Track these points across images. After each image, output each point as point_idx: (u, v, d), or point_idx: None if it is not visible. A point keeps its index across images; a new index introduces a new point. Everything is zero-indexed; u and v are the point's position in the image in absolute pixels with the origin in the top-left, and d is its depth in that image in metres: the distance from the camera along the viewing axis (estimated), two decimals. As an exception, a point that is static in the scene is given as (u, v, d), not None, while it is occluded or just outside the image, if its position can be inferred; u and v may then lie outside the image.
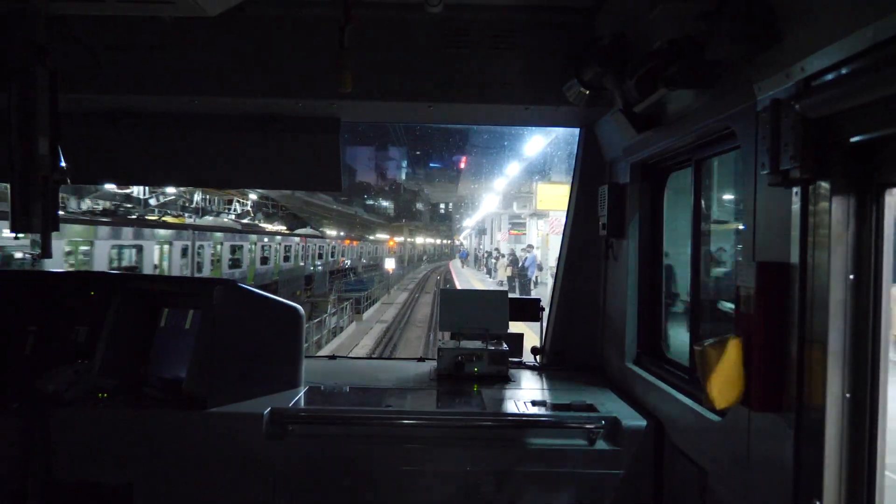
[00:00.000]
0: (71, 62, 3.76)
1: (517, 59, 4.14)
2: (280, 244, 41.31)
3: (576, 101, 3.89)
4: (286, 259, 42.14)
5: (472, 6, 4.02)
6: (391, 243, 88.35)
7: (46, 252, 3.47)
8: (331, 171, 4.61)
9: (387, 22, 4.06)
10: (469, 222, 76.79)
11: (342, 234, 73.05)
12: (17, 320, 4.09)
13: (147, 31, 4.01)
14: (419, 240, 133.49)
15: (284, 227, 55.21)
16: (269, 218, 55.73)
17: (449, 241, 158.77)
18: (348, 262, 71.10)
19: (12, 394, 3.61)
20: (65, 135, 3.33)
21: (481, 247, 68.28)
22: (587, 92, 3.75)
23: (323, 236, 60.82)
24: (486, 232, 61.26)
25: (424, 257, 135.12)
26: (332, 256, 59.98)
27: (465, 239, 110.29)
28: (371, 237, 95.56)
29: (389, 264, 57.08)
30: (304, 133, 4.52)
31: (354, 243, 75.02)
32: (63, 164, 3.35)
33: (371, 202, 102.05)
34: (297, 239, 46.56)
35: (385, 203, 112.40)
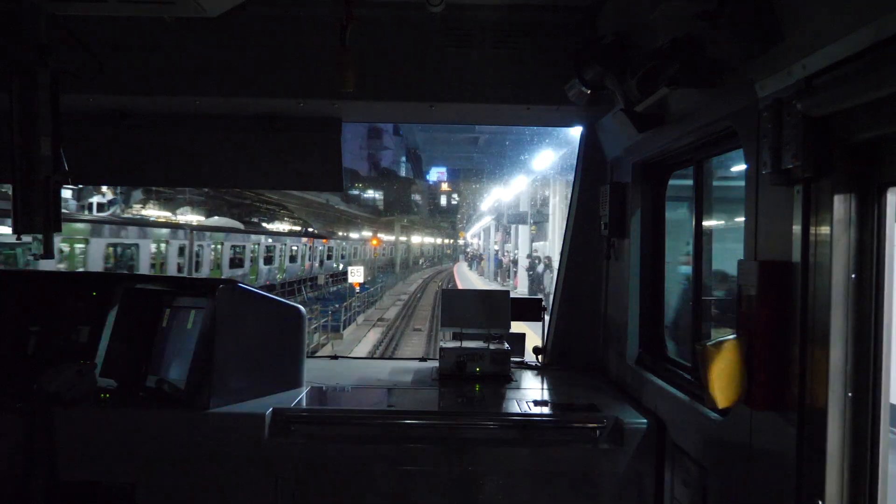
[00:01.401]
0: (73, 62, 3.76)
1: (518, 59, 4.14)
2: (105, 242, 22.12)
3: (577, 100, 3.89)
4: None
5: (474, 6, 4.02)
6: (374, 242, 67.02)
7: (49, 252, 3.48)
8: (332, 170, 4.61)
9: (388, 21, 4.06)
10: (504, 193, 45.68)
11: (308, 229, 52.60)
12: (20, 320, 4.09)
13: (149, 32, 4.01)
14: (416, 238, 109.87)
15: (202, 217, 37.57)
16: (171, 204, 37.35)
17: (451, 241, 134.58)
18: (314, 265, 47.25)
19: (14, 393, 3.61)
20: (67, 135, 3.33)
21: (509, 249, 45.61)
22: (588, 91, 3.74)
23: (257, 231, 39.40)
24: (526, 220, 38.12)
25: (421, 260, 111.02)
26: (272, 262, 38.65)
27: (474, 237, 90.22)
28: (355, 234, 73.86)
29: (356, 275, 31.49)
30: (305, 133, 4.52)
31: (324, 241, 51.45)
32: (65, 164, 3.36)
33: (354, 191, 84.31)
34: (181, 233, 27.97)
35: (373, 193, 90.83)
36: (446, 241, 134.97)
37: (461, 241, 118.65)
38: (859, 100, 1.91)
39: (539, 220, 38.65)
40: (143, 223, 27.27)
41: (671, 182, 4.02)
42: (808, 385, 2.24)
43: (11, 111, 3.20)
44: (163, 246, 26.19)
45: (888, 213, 2.11)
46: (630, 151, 4.13)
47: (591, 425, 3.54)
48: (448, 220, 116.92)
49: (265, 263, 37.44)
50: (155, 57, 4.06)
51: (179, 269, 27.14)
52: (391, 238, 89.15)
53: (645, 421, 3.55)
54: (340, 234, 66.03)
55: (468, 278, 51.26)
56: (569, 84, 3.84)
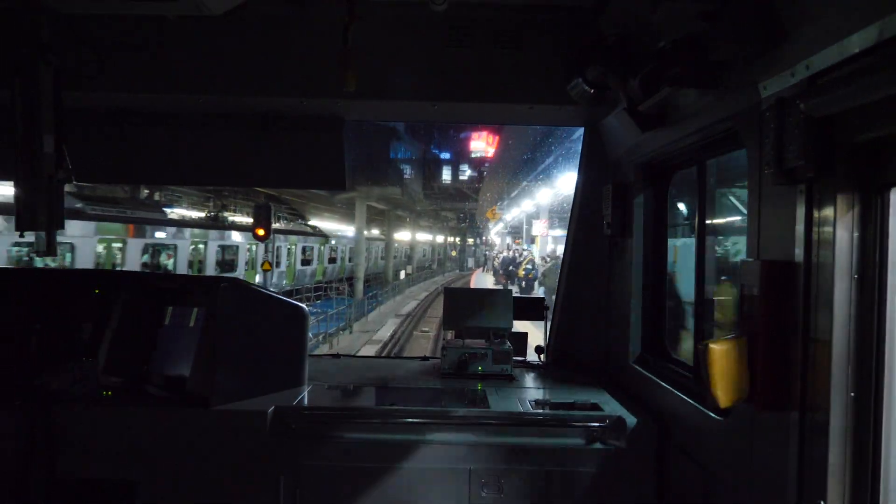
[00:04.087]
0: (75, 60, 3.77)
1: (521, 58, 4.13)
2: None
3: (580, 100, 3.88)
4: None
5: (477, 5, 4.02)
6: (259, 232, 19.28)
7: (51, 250, 3.48)
8: (334, 169, 4.61)
9: (391, 21, 4.06)
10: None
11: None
12: (22, 318, 4.10)
13: (151, 30, 4.01)
14: (403, 235, 67.93)
15: None
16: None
17: (455, 239, 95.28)
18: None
19: (16, 391, 3.62)
20: (69, 133, 3.33)
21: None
22: (591, 91, 3.74)
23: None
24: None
25: (408, 269, 63.48)
26: None
27: (499, 235, 62.93)
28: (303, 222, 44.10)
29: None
30: (308, 132, 4.52)
31: (131, 233, 22.74)
32: (68, 162, 3.36)
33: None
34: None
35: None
36: (450, 238, 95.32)
37: (487, 235, 74.46)
38: (862, 100, 1.91)
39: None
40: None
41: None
42: (810, 385, 2.24)
43: (13, 108, 3.20)
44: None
45: (891, 213, 2.10)
46: (633, 151, 4.13)
47: (592, 424, 3.54)
48: (456, 206, 68.53)
49: None
50: (157, 55, 4.06)
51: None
52: (348, 230, 49.74)
53: (647, 420, 3.55)
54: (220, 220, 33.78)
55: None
56: (572, 84, 3.84)
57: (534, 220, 43.70)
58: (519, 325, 4.85)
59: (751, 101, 2.53)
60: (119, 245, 22.53)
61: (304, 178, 4.95)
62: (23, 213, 3.24)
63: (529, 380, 4.53)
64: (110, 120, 4.42)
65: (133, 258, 22.90)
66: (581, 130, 4.88)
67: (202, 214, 34.31)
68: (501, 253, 50.87)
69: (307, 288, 36.32)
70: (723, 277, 4.99)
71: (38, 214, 3.26)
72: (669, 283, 4.21)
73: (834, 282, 2.14)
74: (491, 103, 4.23)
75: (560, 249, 33.44)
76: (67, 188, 3.47)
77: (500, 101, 4.21)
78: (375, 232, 58.51)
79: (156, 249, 25.09)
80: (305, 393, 3.96)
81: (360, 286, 40.67)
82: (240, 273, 29.82)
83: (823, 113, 2.08)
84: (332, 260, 46.71)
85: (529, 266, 33.98)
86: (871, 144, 2.07)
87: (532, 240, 43.10)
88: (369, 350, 24.53)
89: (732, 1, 2.34)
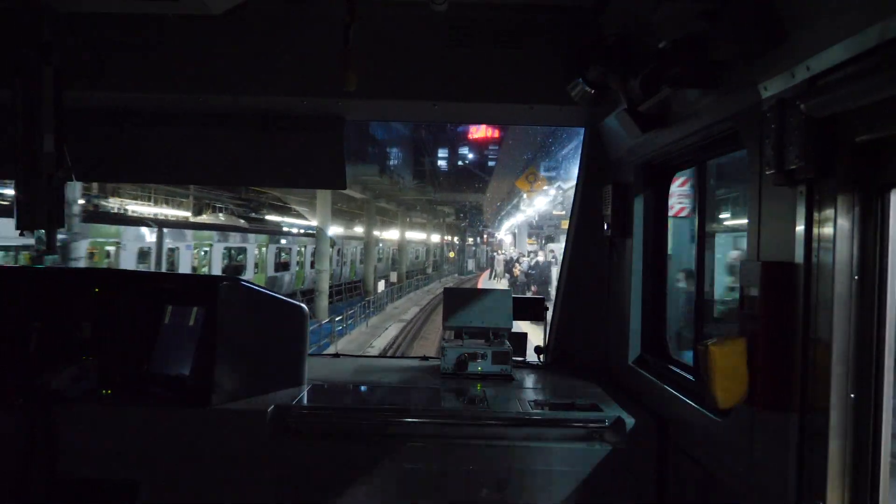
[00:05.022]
0: (76, 60, 3.77)
1: (522, 58, 4.13)
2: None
3: (580, 100, 3.89)
4: None
5: (478, 5, 4.02)
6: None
7: (52, 248, 3.48)
8: (334, 169, 4.61)
9: (392, 20, 4.06)
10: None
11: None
12: (22, 317, 4.10)
13: (151, 30, 4.01)
14: (391, 234, 58.37)
15: None
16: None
17: (453, 237, 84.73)
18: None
19: (16, 391, 3.62)
20: (69, 133, 3.33)
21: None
22: (592, 91, 3.74)
23: None
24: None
25: (390, 277, 44.69)
26: None
27: (510, 232, 55.57)
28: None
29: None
30: (308, 131, 4.52)
31: None
32: (68, 161, 3.36)
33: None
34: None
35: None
36: (448, 237, 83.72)
37: (496, 232, 66.41)
38: (863, 101, 1.91)
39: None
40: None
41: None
42: (810, 386, 2.24)
43: (14, 108, 3.21)
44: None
45: (891, 214, 2.10)
46: (633, 152, 4.13)
47: (592, 425, 3.54)
48: (457, 197, 57.30)
49: None
50: (158, 54, 4.06)
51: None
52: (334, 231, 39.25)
53: (646, 421, 3.55)
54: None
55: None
56: (572, 84, 3.84)
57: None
58: (519, 326, 4.85)
59: (751, 101, 2.53)
60: None
61: (304, 177, 4.94)
62: (23, 213, 3.24)
63: (529, 380, 4.53)
64: (110, 120, 4.41)
65: None
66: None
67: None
68: (525, 256, 39.42)
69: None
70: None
71: (38, 214, 3.27)
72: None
73: (834, 283, 2.14)
74: (491, 103, 4.24)
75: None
76: None
77: (499, 101, 4.21)
78: (359, 230, 48.92)
79: None
80: (305, 392, 3.96)
81: (323, 302, 29.41)
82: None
83: (824, 114, 2.08)
84: (283, 266, 34.30)
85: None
86: (872, 145, 2.07)
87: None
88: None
89: (732, 0, 2.35)
